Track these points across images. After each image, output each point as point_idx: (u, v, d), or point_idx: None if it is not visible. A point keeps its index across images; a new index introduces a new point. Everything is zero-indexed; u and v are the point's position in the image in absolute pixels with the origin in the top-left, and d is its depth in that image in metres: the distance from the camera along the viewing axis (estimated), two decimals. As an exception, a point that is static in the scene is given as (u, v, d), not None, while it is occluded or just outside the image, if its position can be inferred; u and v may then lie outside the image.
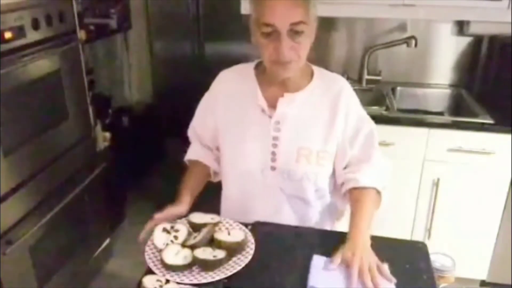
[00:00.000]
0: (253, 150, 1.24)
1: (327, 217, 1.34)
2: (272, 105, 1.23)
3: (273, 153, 1.24)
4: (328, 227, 1.35)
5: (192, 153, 1.41)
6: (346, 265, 1.04)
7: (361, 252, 1.05)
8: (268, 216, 1.27)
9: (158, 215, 1.17)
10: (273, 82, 1.24)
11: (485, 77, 2.46)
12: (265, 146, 1.24)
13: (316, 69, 1.28)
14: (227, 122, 1.29)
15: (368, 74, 2.51)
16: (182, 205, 1.23)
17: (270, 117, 1.23)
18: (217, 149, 1.37)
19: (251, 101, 1.25)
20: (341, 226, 1.37)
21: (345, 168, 1.27)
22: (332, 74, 1.30)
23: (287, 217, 1.29)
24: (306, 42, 1.15)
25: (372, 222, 1.16)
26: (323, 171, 1.25)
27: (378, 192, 1.22)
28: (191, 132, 1.43)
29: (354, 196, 1.22)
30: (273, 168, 1.24)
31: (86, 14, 2.80)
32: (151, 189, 3.23)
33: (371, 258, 1.05)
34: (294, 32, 1.11)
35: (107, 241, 2.52)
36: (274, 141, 1.23)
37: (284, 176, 1.24)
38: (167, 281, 1.01)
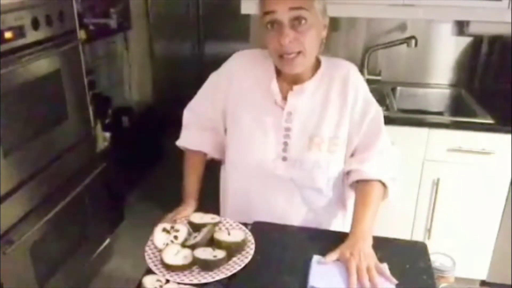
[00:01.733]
0: (265, 141, 1.23)
1: (339, 207, 1.32)
2: (284, 96, 1.23)
3: (285, 143, 1.22)
4: (340, 216, 1.33)
5: (190, 140, 1.37)
6: (345, 264, 1.04)
7: (360, 251, 1.05)
8: (278, 207, 1.26)
9: (170, 220, 1.17)
10: (283, 74, 1.23)
11: (485, 77, 2.45)
12: (277, 136, 1.23)
13: (323, 58, 1.26)
14: (239, 107, 1.26)
15: (368, 74, 2.51)
16: (190, 207, 1.24)
17: (283, 108, 1.22)
18: (222, 131, 1.34)
19: (265, 90, 1.23)
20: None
21: (352, 155, 1.26)
22: (338, 59, 1.28)
23: (298, 209, 1.27)
24: (311, 34, 1.12)
25: (376, 218, 1.15)
26: (334, 159, 1.23)
27: (384, 184, 1.21)
28: (189, 114, 1.38)
29: (359, 189, 1.22)
30: (284, 159, 1.23)
31: (86, 14, 2.81)
32: (151, 189, 3.23)
33: (370, 258, 1.05)
34: (296, 21, 1.09)
35: (107, 241, 2.51)
36: (286, 132, 1.22)
37: (296, 166, 1.22)
38: (167, 281, 1.01)
